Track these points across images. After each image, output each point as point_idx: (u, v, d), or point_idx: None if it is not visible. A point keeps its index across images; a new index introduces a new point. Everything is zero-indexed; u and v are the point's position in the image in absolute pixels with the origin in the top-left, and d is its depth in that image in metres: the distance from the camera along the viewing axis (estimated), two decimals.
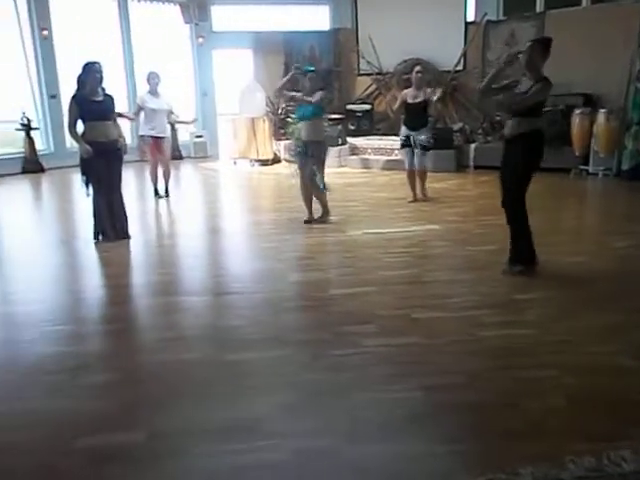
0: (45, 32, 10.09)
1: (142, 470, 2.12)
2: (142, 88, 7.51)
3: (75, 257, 5.18)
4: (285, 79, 5.95)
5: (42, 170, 10.03)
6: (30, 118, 9.92)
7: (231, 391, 2.66)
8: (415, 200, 6.79)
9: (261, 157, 10.51)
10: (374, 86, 11.23)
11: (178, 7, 11.54)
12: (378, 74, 11.04)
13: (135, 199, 7.36)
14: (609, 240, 5.11)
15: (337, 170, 9.48)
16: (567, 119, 8.38)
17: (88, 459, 2.17)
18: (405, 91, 6.79)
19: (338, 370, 2.82)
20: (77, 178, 8.29)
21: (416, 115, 6.59)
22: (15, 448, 2.26)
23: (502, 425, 2.33)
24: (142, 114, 7.21)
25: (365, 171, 9.62)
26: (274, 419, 2.41)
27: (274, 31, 11.40)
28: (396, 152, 9.19)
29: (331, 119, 10.36)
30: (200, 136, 12.04)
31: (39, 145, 10.24)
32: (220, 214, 7.15)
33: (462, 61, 10.41)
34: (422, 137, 6.57)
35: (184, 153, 11.84)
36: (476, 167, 9.09)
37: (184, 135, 11.91)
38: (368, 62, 10.97)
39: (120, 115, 5.75)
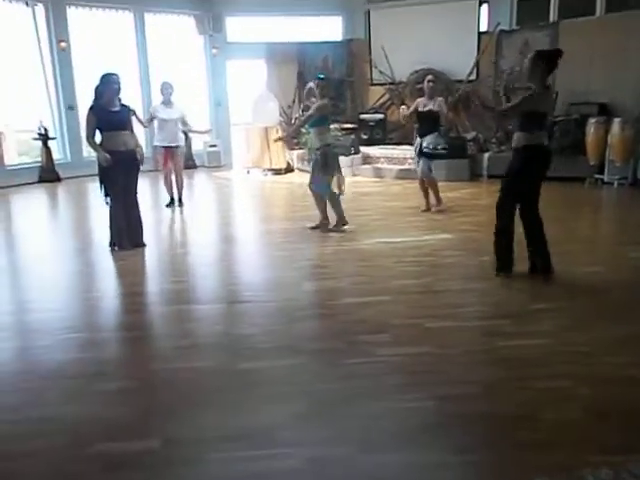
0: (63, 44, 10.28)
1: (157, 477, 2.14)
2: (157, 98, 7.59)
3: (91, 265, 5.23)
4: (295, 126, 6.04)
5: (58, 179, 10.18)
6: (47, 128, 10.08)
7: (245, 399, 2.67)
8: (427, 209, 6.79)
9: (274, 166, 10.57)
10: (387, 96, 11.27)
11: (193, 18, 11.72)
12: (391, 84, 11.08)
13: (150, 208, 7.43)
14: (624, 250, 5.07)
15: (350, 179, 9.47)
16: (582, 128, 8.35)
17: (104, 465, 2.20)
18: (419, 99, 6.82)
19: (352, 379, 2.82)
20: (93, 187, 8.43)
21: (427, 124, 6.62)
22: (32, 454, 2.29)
23: (516, 436, 2.32)
24: (155, 124, 7.31)
25: (378, 180, 9.64)
26: (288, 427, 2.42)
27: (287, 42, 11.51)
28: (409, 161, 9.21)
29: (344, 128, 10.44)
30: (214, 145, 12.14)
31: (56, 155, 10.39)
32: (233, 223, 7.20)
33: (475, 71, 10.42)
34: (424, 144, 6.58)
35: (198, 162, 11.95)
36: (490, 176, 9.05)
37: (198, 144, 12.03)
38: (381, 72, 11.03)
39: (134, 115, 5.79)
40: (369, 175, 9.96)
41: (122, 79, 5.20)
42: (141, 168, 5.44)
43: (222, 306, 4.05)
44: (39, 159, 10.25)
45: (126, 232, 5.33)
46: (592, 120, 8.26)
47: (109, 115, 5.06)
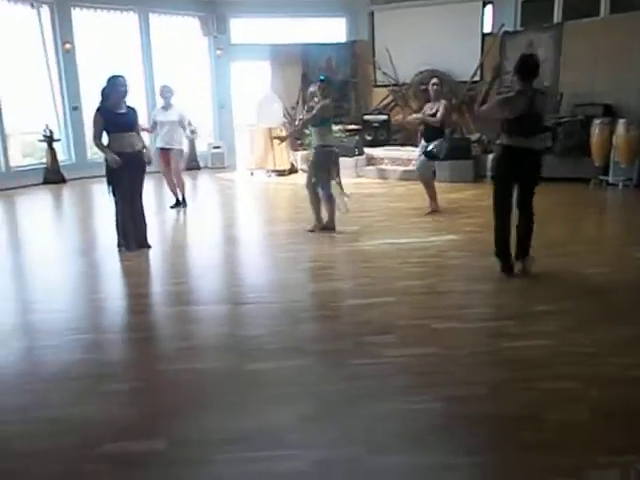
0: (68, 45, 10.31)
1: (163, 477, 2.15)
2: (160, 100, 7.60)
3: (96, 266, 5.25)
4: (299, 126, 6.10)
5: (63, 181, 10.20)
6: (52, 130, 10.11)
7: (251, 400, 2.68)
8: (432, 211, 6.75)
9: (278, 167, 10.58)
10: (391, 97, 11.27)
11: (197, 20, 11.75)
12: (395, 85, 11.08)
13: (154, 209, 7.45)
14: (629, 251, 5.06)
15: (354, 180, 9.51)
16: (586, 129, 8.33)
17: (111, 466, 2.21)
18: (427, 105, 6.81)
19: (357, 380, 2.83)
20: (98, 188, 8.46)
21: (433, 128, 6.60)
22: (40, 454, 2.30)
23: (522, 437, 2.32)
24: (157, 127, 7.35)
25: (382, 181, 9.64)
26: (294, 429, 2.43)
27: (291, 43, 11.53)
28: (413, 162, 9.20)
29: (348, 130, 10.45)
30: (218, 147, 12.17)
31: (60, 156, 10.42)
32: (237, 224, 7.22)
33: (479, 72, 10.41)
34: (430, 146, 6.59)
35: (201, 164, 11.97)
36: (493, 177, 9.04)
37: (202, 146, 12.06)
38: (384, 73, 11.03)
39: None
40: (373, 176, 9.96)
41: (128, 81, 5.22)
42: (147, 170, 5.46)
43: (227, 307, 4.06)
44: (44, 160, 10.28)
45: (132, 233, 5.35)
46: (597, 121, 8.24)
47: (116, 117, 5.08)
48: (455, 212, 6.83)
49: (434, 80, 6.80)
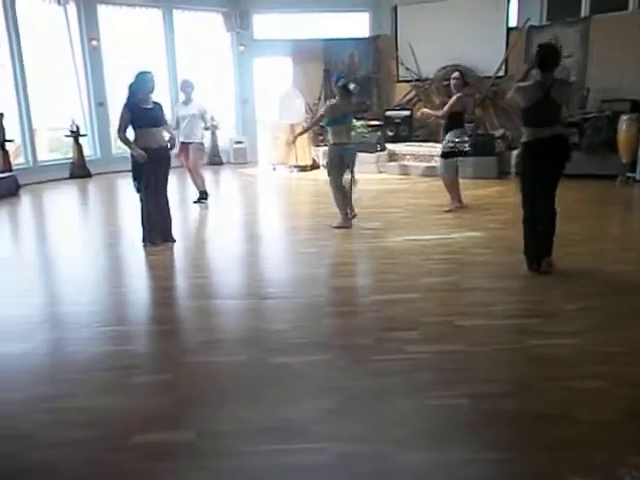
0: (94, 42, 10.45)
1: (193, 468, 2.18)
2: (181, 96, 7.63)
3: (122, 260, 5.33)
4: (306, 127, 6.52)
5: (89, 175, 10.37)
6: (79, 125, 10.27)
7: (277, 393, 2.71)
8: (459, 207, 6.69)
9: (300, 163, 10.60)
10: (413, 92, 11.20)
11: (220, 16, 11.80)
12: (417, 80, 11.01)
13: (177, 204, 7.52)
14: None
15: (375, 176, 9.49)
16: (614, 125, 8.18)
17: (141, 456, 2.25)
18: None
19: (382, 376, 2.83)
20: (123, 183, 8.58)
21: (449, 120, 6.57)
22: (72, 444, 2.35)
23: (550, 435, 2.31)
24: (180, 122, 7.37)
25: (404, 177, 9.59)
26: (320, 422, 2.44)
27: (314, 39, 11.51)
28: (435, 159, 9.14)
29: (370, 125, 10.41)
30: (240, 142, 12.23)
31: (86, 151, 10.58)
32: (259, 219, 7.26)
33: (503, 67, 10.29)
34: (444, 141, 6.56)
35: (224, 159, 12.04)
36: (518, 174, 8.93)
37: (224, 141, 12.13)
38: (407, 68, 10.96)
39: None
40: (395, 172, 9.91)
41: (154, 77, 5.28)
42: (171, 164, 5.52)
43: (250, 302, 4.09)
44: (69, 155, 10.46)
45: (157, 227, 5.42)
46: (624, 117, 8.08)
47: (143, 112, 5.13)
48: (479, 209, 6.77)
49: (455, 74, 6.75)
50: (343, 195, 6.03)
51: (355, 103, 6.09)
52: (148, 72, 5.18)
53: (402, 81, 11.25)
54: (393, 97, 11.52)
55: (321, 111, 5.93)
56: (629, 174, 8.15)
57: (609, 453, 2.18)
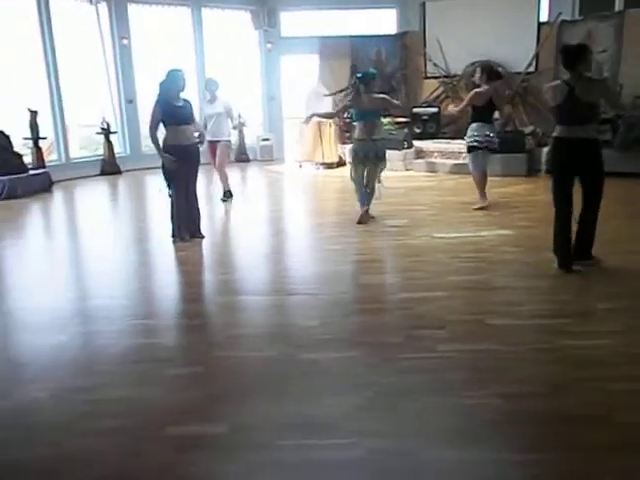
0: (125, 41, 10.62)
1: (226, 460, 2.21)
2: (206, 95, 7.67)
3: (152, 256, 5.41)
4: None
5: (119, 172, 10.55)
6: (109, 122, 10.44)
7: (307, 389, 2.73)
8: (481, 207, 6.61)
9: (326, 160, 10.60)
10: (441, 89, 11.10)
11: (248, 13, 11.86)
12: (445, 77, 10.91)
13: (205, 201, 7.59)
14: None
15: (403, 174, 9.45)
16: None
17: (175, 447, 2.29)
18: None
19: (411, 373, 2.82)
20: (152, 179, 8.70)
21: (474, 112, 6.54)
22: (107, 434, 2.41)
23: (588, 437, 2.27)
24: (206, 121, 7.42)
25: (431, 175, 9.52)
26: (350, 418, 2.45)
27: (341, 36, 11.49)
28: (463, 155, 9.05)
29: (397, 122, 10.35)
30: (266, 139, 12.30)
31: (116, 148, 10.76)
32: (285, 216, 7.28)
33: (534, 63, 10.13)
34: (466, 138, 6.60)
35: (250, 156, 12.12)
36: (548, 172, 8.77)
37: (251, 138, 12.20)
38: (435, 65, 10.87)
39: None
40: (422, 169, 9.85)
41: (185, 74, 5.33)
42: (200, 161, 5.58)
43: (278, 298, 4.11)
44: (99, 152, 10.65)
45: (186, 224, 5.48)
46: None
47: (174, 110, 5.19)
48: (508, 206, 6.69)
49: (477, 69, 6.75)
50: (357, 188, 6.19)
51: (377, 98, 6.04)
52: (179, 70, 5.24)
53: (430, 77, 11.16)
54: (420, 94, 11.44)
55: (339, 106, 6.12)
56: None
57: None
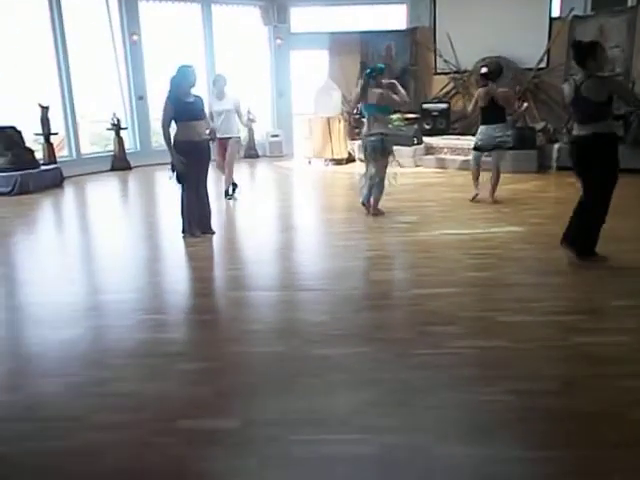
0: (135, 37, 10.64)
1: (238, 454, 2.21)
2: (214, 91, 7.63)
3: (162, 251, 5.43)
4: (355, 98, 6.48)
5: (129, 168, 10.60)
6: (120, 119, 10.48)
7: (318, 384, 2.72)
8: (494, 201, 6.63)
9: (335, 156, 10.59)
10: (451, 85, 11.05)
11: (258, 9, 11.85)
12: (456, 72, 10.85)
13: (215, 196, 7.59)
14: None
15: (412, 170, 9.41)
16: None
17: (188, 440, 2.29)
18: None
19: (423, 369, 2.81)
20: (162, 175, 8.72)
21: (483, 113, 6.61)
22: (119, 426, 2.42)
23: (601, 434, 2.25)
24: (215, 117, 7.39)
25: (441, 171, 9.48)
26: (361, 414, 2.45)
27: (351, 31, 11.46)
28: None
29: (406, 118, 10.31)
30: (276, 135, 12.30)
31: (127, 144, 10.80)
32: (295, 212, 7.28)
33: (545, 58, 10.04)
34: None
35: (260, 152, 12.13)
36: (560, 168, 8.70)
37: (260, 134, 12.20)
38: (445, 61, 10.82)
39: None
40: (432, 166, 9.81)
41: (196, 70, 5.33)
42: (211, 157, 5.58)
43: (289, 293, 4.11)
44: (109, 148, 10.70)
45: (196, 219, 5.49)
46: None
47: (184, 105, 5.18)
48: (519, 203, 6.65)
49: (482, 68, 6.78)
50: (364, 183, 6.26)
51: (384, 90, 6.01)
52: (189, 66, 5.24)
53: (440, 73, 11.11)
54: (430, 90, 11.40)
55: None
56: None
57: None
